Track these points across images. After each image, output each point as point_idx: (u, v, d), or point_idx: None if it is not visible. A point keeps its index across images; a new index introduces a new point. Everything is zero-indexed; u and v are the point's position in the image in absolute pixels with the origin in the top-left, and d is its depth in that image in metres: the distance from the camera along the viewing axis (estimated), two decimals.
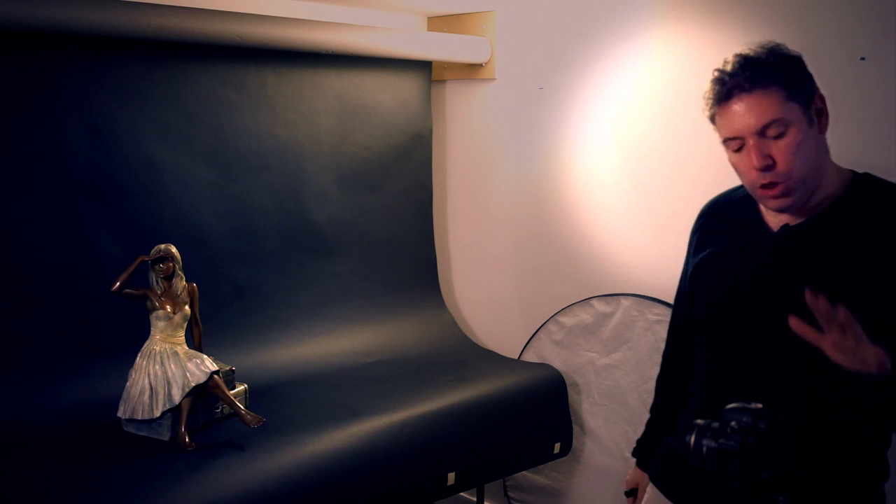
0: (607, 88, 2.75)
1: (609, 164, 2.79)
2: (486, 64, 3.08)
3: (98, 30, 2.16)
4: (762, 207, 1.52)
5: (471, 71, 3.13)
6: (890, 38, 2.09)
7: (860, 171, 1.49)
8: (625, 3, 2.65)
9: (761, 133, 1.37)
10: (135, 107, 2.40)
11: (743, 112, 1.38)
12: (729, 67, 1.41)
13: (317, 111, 2.80)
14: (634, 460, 1.89)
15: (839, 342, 1.24)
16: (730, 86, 1.39)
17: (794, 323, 1.26)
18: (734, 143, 1.41)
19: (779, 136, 1.37)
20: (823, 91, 1.44)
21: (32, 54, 2.21)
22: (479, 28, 3.07)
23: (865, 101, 2.14)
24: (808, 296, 1.24)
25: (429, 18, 3.23)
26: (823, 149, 1.44)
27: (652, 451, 1.81)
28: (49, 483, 1.84)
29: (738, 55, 1.42)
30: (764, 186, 1.40)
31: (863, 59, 2.14)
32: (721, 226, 1.62)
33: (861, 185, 1.46)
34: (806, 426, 1.38)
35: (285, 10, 2.69)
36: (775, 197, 1.41)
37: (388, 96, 2.99)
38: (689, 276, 1.66)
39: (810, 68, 1.43)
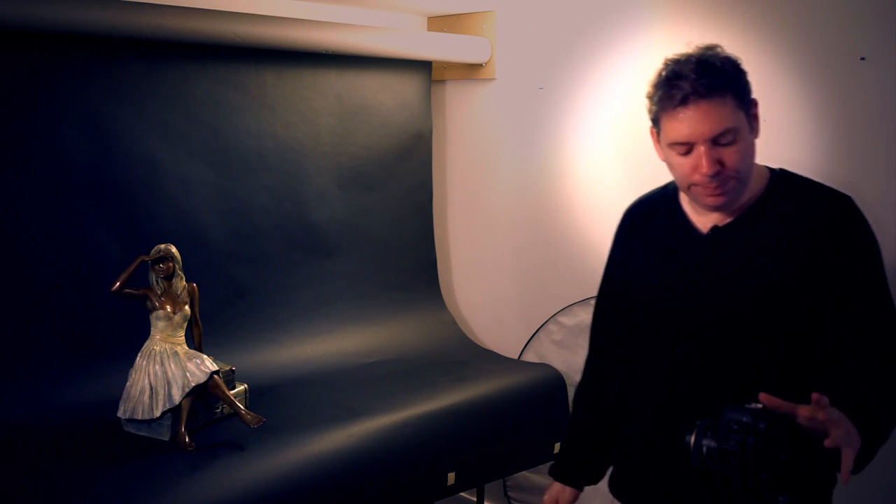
0: (607, 88, 2.75)
1: (609, 163, 2.79)
2: (486, 64, 3.08)
3: (98, 30, 2.16)
4: (688, 210, 1.53)
5: (471, 71, 3.13)
6: (890, 38, 2.09)
7: (776, 167, 1.51)
8: (625, 4, 2.65)
9: (713, 140, 1.37)
10: (134, 107, 2.40)
11: (699, 119, 1.36)
12: (685, 71, 1.38)
13: (317, 111, 2.80)
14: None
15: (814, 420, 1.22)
16: (686, 91, 1.37)
17: (765, 397, 1.24)
18: (681, 148, 1.41)
19: (729, 144, 1.37)
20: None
21: (32, 54, 2.21)
22: (479, 28, 3.07)
23: (865, 101, 2.14)
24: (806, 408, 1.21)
25: (429, 18, 3.23)
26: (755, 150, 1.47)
27: (579, 467, 1.77)
28: (49, 483, 1.84)
29: (689, 59, 1.39)
30: (711, 189, 1.41)
31: (863, 59, 2.14)
32: (647, 230, 1.62)
33: (780, 181, 1.49)
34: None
35: (285, 10, 2.69)
36: (716, 195, 1.42)
37: (388, 96, 2.99)
38: (618, 283, 1.66)
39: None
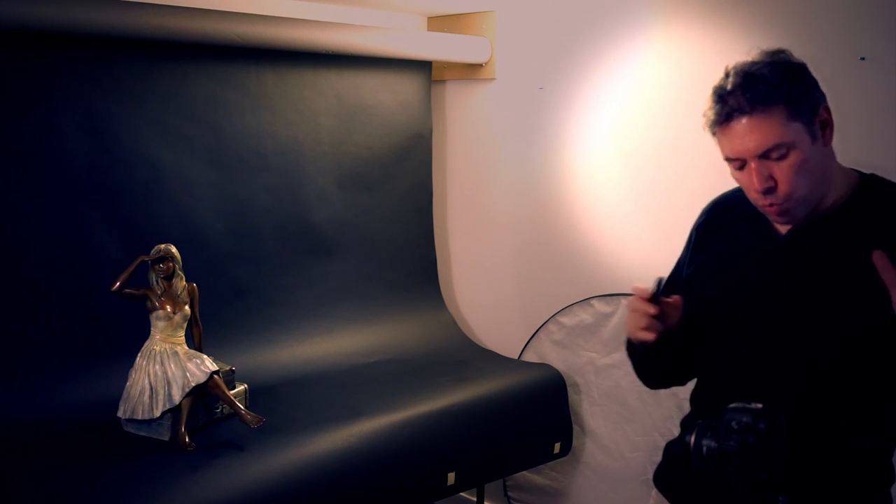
0: (607, 88, 2.75)
1: (609, 163, 2.79)
2: (486, 64, 3.08)
3: (98, 30, 2.16)
4: None
5: (471, 71, 3.13)
6: (890, 38, 2.09)
7: (866, 171, 1.47)
8: (625, 4, 2.65)
9: (763, 156, 1.35)
10: (134, 107, 2.40)
11: (743, 135, 1.34)
12: (728, 85, 1.36)
13: (317, 111, 2.80)
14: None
15: None
16: (729, 107, 1.34)
17: (878, 258, 1.22)
18: (735, 163, 1.39)
19: (781, 159, 1.34)
20: (824, 92, 1.42)
21: (32, 54, 2.21)
22: (479, 28, 3.07)
23: (865, 101, 2.14)
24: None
25: (429, 18, 3.23)
26: (829, 159, 1.41)
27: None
28: (49, 483, 1.84)
29: (738, 71, 1.37)
30: (767, 206, 1.39)
31: (863, 59, 2.14)
32: (725, 226, 1.60)
33: (868, 186, 1.44)
34: (810, 426, 1.37)
35: (285, 10, 2.69)
36: (778, 217, 1.41)
37: (388, 96, 2.99)
38: (686, 275, 1.64)
39: (812, 72, 1.41)
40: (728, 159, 1.40)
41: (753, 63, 1.37)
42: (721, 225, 1.61)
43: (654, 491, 1.72)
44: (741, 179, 1.41)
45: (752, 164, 1.36)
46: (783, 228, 1.47)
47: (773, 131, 1.32)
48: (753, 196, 1.40)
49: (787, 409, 1.27)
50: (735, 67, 1.38)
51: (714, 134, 1.42)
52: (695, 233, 1.67)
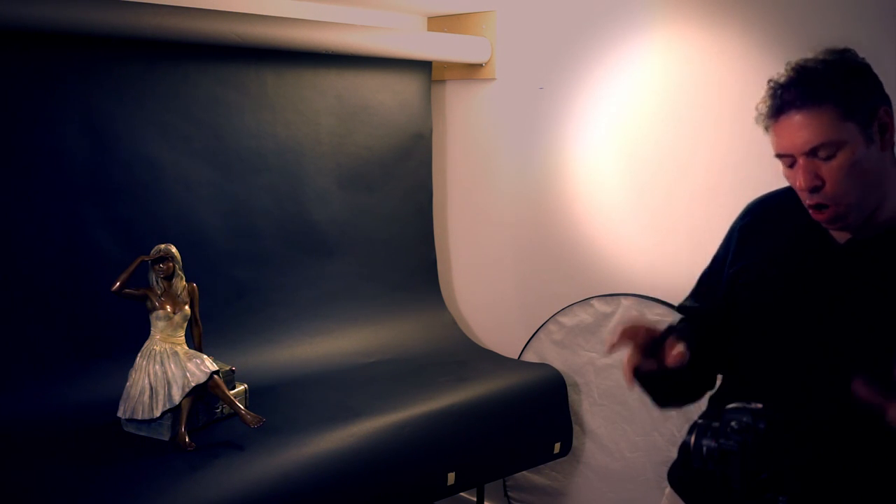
0: (607, 88, 2.75)
1: (609, 163, 2.79)
2: (486, 64, 3.08)
3: (97, 30, 2.16)
4: None
5: (471, 71, 3.13)
6: (890, 38, 2.09)
7: None
8: (625, 4, 2.65)
9: (811, 153, 1.32)
10: (134, 107, 2.40)
11: (793, 131, 1.32)
12: (783, 79, 1.34)
13: (317, 111, 2.80)
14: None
15: None
16: (782, 101, 1.32)
17: (859, 387, 1.18)
18: (786, 160, 1.37)
19: (829, 158, 1.31)
20: (888, 95, 1.35)
21: (32, 54, 2.21)
22: (479, 28, 3.07)
23: None
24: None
25: (429, 18, 3.23)
26: (887, 164, 1.35)
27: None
28: (49, 483, 1.84)
29: (794, 65, 1.34)
30: (813, 207, 1.36)
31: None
32: (775, 229, 1.54)
33: None
34: (855, 437, 1.33)
35: (285, 10, 2.69)
36: (826, 220, 1.37)
37: (388, 96, 2.99)
38: (729, 274, 1.58)
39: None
40: (778, 156, 1.38)
41: (811, 59, 1.35)
42: (770, 227, 1.56)
43: (668, 489, 1.71)
44: (790, 177, 1.38)
45: (801, 161, 1.33)
46: (841, 237, 1.42)
47: (822, 129, 1.30)
48: (803, 196, 1.37)
49: (839, 419, 1.23)
50: (792, 63, 1.36)
51: (766, 129, 1.39)
52: (738, 232, 1.61)
